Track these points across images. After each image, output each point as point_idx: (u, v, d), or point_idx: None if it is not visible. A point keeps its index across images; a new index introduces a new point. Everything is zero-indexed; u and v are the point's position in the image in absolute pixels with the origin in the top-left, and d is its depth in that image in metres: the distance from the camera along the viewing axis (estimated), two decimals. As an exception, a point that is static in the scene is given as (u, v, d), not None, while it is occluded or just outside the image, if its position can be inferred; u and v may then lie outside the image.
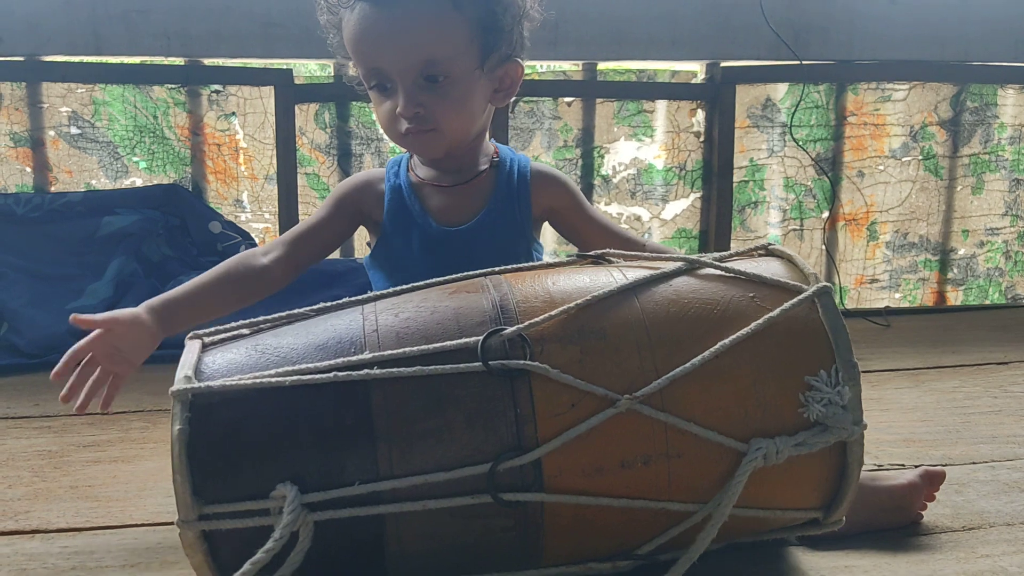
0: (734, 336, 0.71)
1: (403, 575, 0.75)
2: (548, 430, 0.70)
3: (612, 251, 0.84)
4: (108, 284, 1.72)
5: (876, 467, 1.10)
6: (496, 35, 0.97)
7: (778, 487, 0.75)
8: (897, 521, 0.94)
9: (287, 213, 1.90)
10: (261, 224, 1.93)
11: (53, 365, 1.54)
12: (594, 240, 1.03)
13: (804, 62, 1.99)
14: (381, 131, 1.92)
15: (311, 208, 1.94)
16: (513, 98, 1.08)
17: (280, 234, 1.85)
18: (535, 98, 1.99)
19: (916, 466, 0.98)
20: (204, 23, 1.80)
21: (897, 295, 2.18)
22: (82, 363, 0.91)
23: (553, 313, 0.72)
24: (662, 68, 2.07)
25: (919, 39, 2.05)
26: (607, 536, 0.75)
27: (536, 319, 0.72)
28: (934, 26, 2.05)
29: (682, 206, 2.11)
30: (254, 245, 1.85)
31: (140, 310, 0.94)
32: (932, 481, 0.95)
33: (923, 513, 0.95)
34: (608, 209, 2.08)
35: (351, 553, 0.74)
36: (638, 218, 2.10)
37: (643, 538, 0.76)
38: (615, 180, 2.07)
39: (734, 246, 2.09)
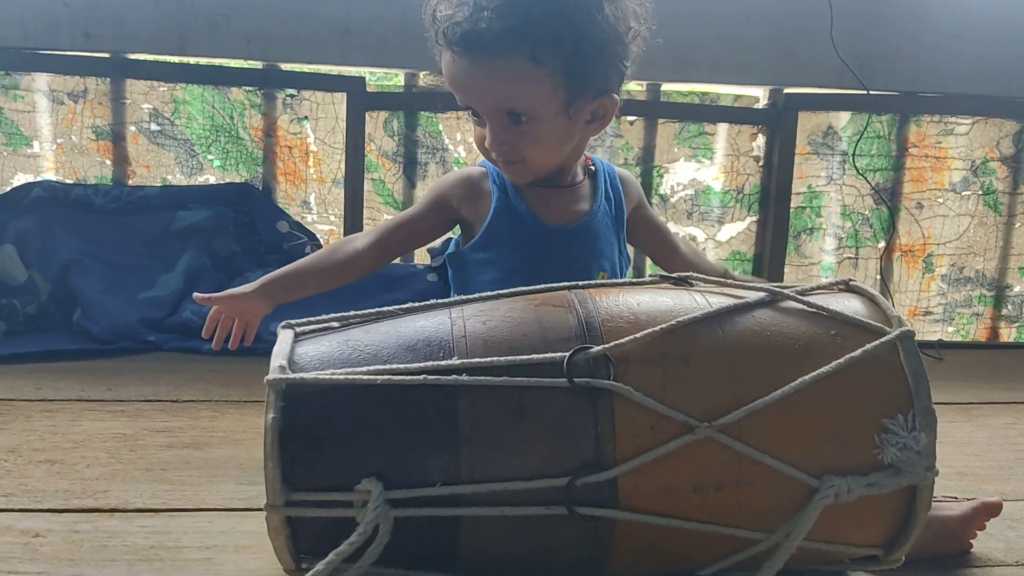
0: (815, 373, 0.73)
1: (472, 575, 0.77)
2: (626, 450, 0.72)
3: (694, 274, 0.86)
4: (179, 276, 1.78)
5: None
6: (584, 80, 0.99)
7: (844, 524, 0.76)
8: (948, 550, 0.95)
9: (352, 216, 1.94)
10: (326, 226, 1.98)
11: (124, 351, 1.64)
12: (649, 236, 1.19)
13: (869, 92, 2.00)
14: (447, 140, 1.97)
15: (375, 212, 1.98)
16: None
17: (343, 236, 1.92)
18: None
19: (968, 499, 0.99)
20: (284, 28, 1.86)
21: (951, 329, 2.17)
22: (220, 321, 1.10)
23: (638, 335, 0.75)
24: (725, 92, 2.09)
25: (984, 74, 2.05)
26: (672, 555, 0.77)
27: (621, 340, 0.75)
28: (1000, 62, 2.05)
29: (738, 228, 2.13)
30: (319, 246, 1.90)
31: (250, 286, 1.10)
32: (988, 511, 0.96)
33: (972, 543, 0.96)
34: (664, 228, 2.10)
35: (425, 551, 0.76)
36: (693, 238, 2.12)
37: (707, 560, 0.77)
38: (672, 199, 2.09)
39: (788, 271, 2.10)
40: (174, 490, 1.05)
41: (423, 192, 1.96)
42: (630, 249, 1.17)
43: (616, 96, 1.05)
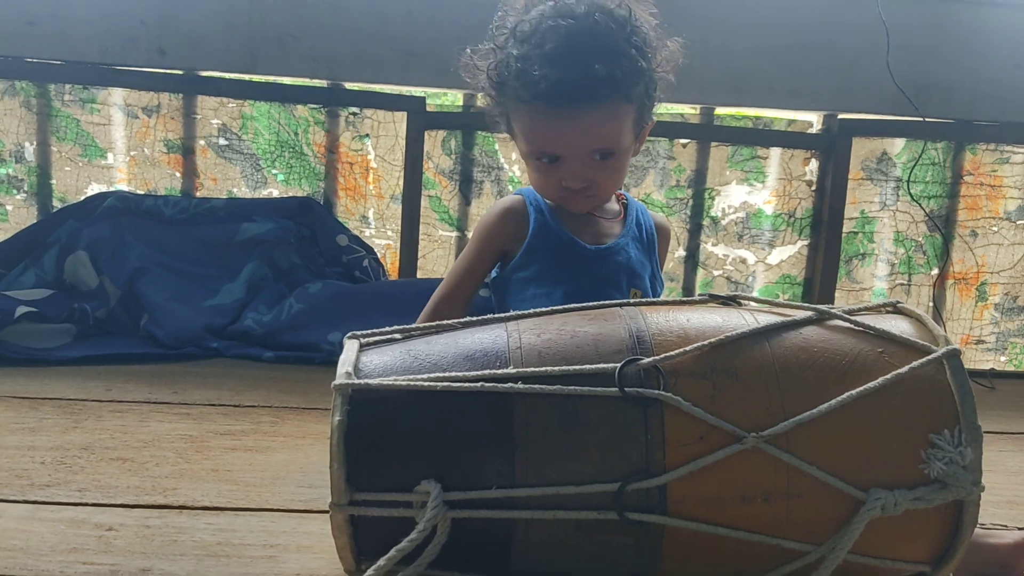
0: (861, 388, 0.75)
1: (524, 577, 0.80)
2: (676, 458, 0.75)
3: (742, 294, 0.89)
4: (241, 286, 1.84)
5: (979, 526, 1.10)
6: (649, 109, 1.09)
7: (891, 538, 0.78)
8: (998, 577, 0.95)
9: (409, 232, 1.99)
10: (383, 240, 2.03)
11: (188, 357, 1.70)
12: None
13: (925, 119, 2.00)
14: (502, 160, 2.01)
15: (431, 228, 2.03)
16: None
17: (400, 251, 1.97)
18: (651, 138, 2.04)
19: (1020, 528, 0.99)
20: (349, 48, 1.92)
21: (1003, 358, 2.15)
22: None
23: (688, 348, 0.77)
24: (778, 116, 2.10)
25: (1042, 103, 2.05)
26: (719, 564, 0.79)
27: (671, 352, 0.77)
28: (1058, 92, 2.04)
29: (788, 252, 2.14)
30: (376, 259, 1.95)
31: None
32: None
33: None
34: (714, 250, 2.11)
35: (480, 552, 0.79)
36: (743, 261, 2.13)
37: (754, 571, 0.79)
38: (723, 222, 2.11)
39: (839, 296, 2.10)
40: (238, 490, 1.09)
41: (477, 210, 2.01)
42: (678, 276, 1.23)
43: (654, 117, 1.13)
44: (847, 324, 0.82)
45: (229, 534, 0.97)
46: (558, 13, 1.03)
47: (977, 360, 2.12)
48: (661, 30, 1.09)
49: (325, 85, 1.98)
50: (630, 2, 1.07)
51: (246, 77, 1.96)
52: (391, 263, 2.03)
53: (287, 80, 1.98)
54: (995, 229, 2.12)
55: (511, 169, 2.02)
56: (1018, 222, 2.12)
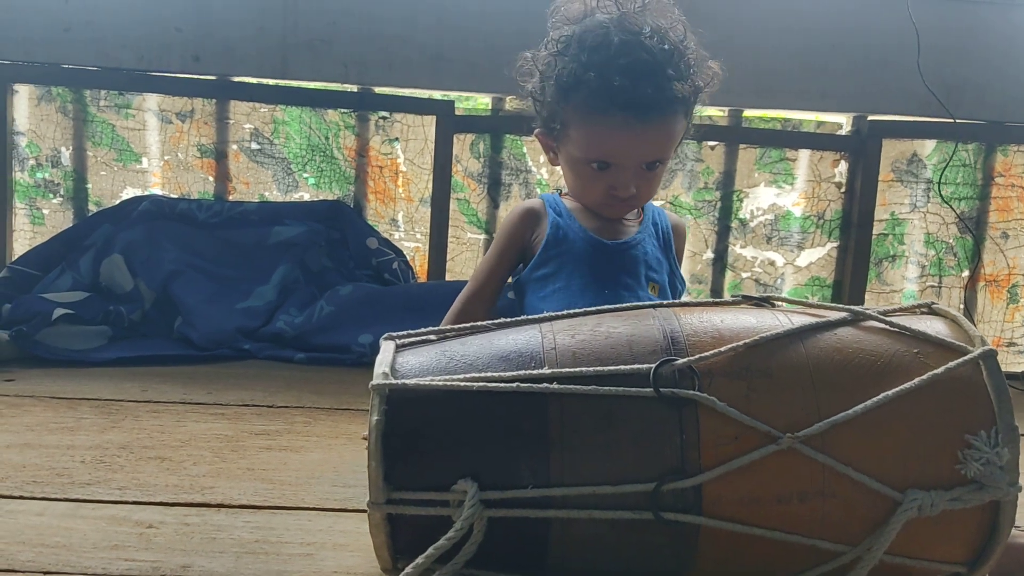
0: (897, 388, 0.75)
1: (560, 577, 0.81)
2: (711, 458, 0.75)
3: (775, 296, 0.89)
4: (273, 288, 1.86)
5: (1016, 528, 1.10)
6: (691, 123, 1.15)
7: (928, 539, 0.77)
8: (1034, 581, 0.94)
9: (437, 235, 2.01)
10: (413, 243, 2.04)
11: (221, 358, 1.73)
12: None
13: (956, 120, 1.99)
14: (530, 163, 2.02)
15: (459, 231, 2.04)
16: None
17: (429, 253, 1.98)
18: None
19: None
20: (380, 54, 1.94)
21: (1036, 361, 2.13)
22: None
23: (722, 349, 0.78)
24: (807, 118, 2.10)
25: (1074, 104, 2.03)
26: (754, 564, 0.79)
27: (706, 353, 0.78)
28: (1091, 92, 2.02)
29: (817, 254, 2.13)
30: (406, 262, 1.97)
31: None
32: None
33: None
34: (743, 252, 2.11)
35: (516, 551, 0.79)
36: (772, 263, 2.12)
37: (790, 572, 0.79)
38: (752, 224, 2.10)
39: (869, 298, 2.09)
40: (274, 489, 1.10)
41: (505, 213, 2.02)
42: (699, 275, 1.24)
43: None
44: (882, 325, 0.81)
45: (267, 532, 0.98)
46: (625, 28, 1.09)
47: (1009, 363, 2.11)
48: (702, 49, 1.14)
49: (355, 90, 2.00)
50: (681, 22, 1.13)
51: (278, 82, 1.99)
52: (420, 266, 2.04)
53: (318, 85, 2.00)
54: (1027, 231, 2.10)
55: (539, 172, 2.03)
56: (1051, 223, 2.10)
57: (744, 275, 2.11)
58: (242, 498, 1.07)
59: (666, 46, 1.09)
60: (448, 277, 2.02)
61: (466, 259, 2.06)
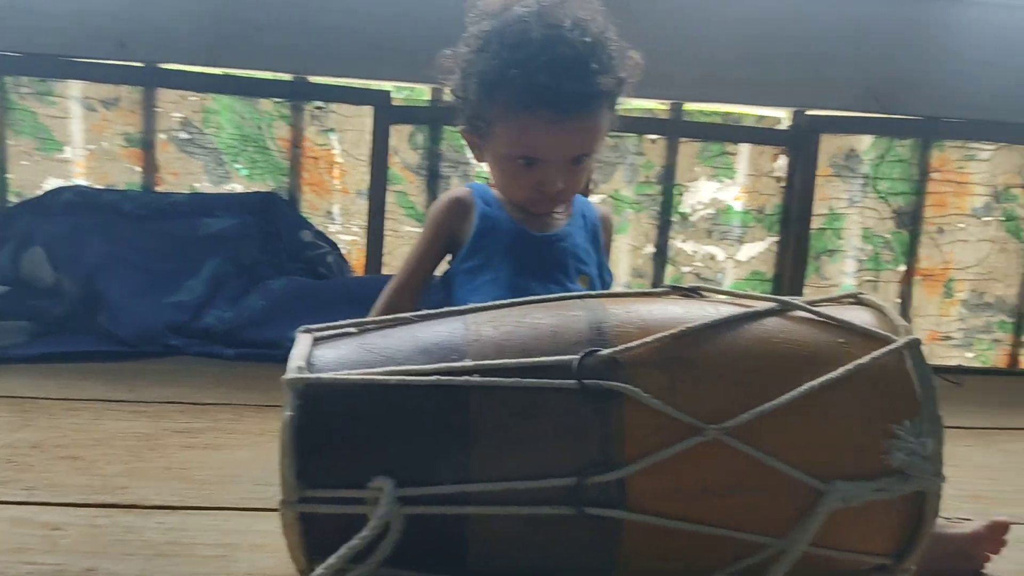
0: (823, 379, 0.74)
1: (481, 575, 0.78)
2: (635, 451, 0.73)
3: (704, 286, 0.88)
4: (203, 282, 1.81)
5: (945, 519, 1.10)
6: (615, 116, 1.14)
7: (853, 530, 0.77)
8: (960, 568, 0.95)
9: (374, 227, 1.97)
10: (349, 236, 2.01)
11: (148, 355, 1.67)
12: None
13: (892, 116, 2.01)
14: (470, 155, 1.99)
15: (397, 224, 2.01)
16: None
17: (366, 247, 1.95)
18: (620, 133, 2.03)
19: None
20: (314, 42, 1.89)
21: (970, 354, 2.16)
22: None
23: (647, 340, 0.76)
24: (748, 112, 2.10)
25: (1008, 101, 2.05)
26: (681, 559, 0.78)
27: (631, 344, 0.76)
28: (1024, 89, 2.05)
29: (758, 249, 2.14)
30: (341, 255, 1.93)
31: None
32: (996, 531, 0.96)
33: (985, 564, 0.96)
34: (684, 247, 2.11)
35: (435, 550, 0.77)
36: (713, 257, 2.13)
37: (716, 566, 0.78)
38: (693, 218, 2.10)
39: (807, 292, 2.10)
40: (192, 489, 1.07)
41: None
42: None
43: None
44: (809, 315, 0.80)
45: (180, 533, 0.95)
46: (546, 23, 1.07)
47: (944, 356, 2.13)
48: (623, 41, 1.13)
49: (289, 79, 1.95)
50: (600, 13, 1.11)
51: (208, 70, 1.93)
52: (356, 259, 2.01)
53: (250, 73, 1.95)
54: (961, 226, 2.13)
55: (479, 164, 2.00)
56: (984, 219, 2.13)
57: (685, 269, 2.11)
58: (156, 498, 1.03)
59: (588, 39, 1.07)
60: (385, 271, 1.99)
61: (404, 253, 2.00)
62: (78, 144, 1.94)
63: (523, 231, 1.14)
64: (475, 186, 1.20)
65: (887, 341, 0.77)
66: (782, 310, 0.81)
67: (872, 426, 0.74)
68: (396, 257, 2.02)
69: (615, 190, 2.06)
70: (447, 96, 1.95)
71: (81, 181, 1.94)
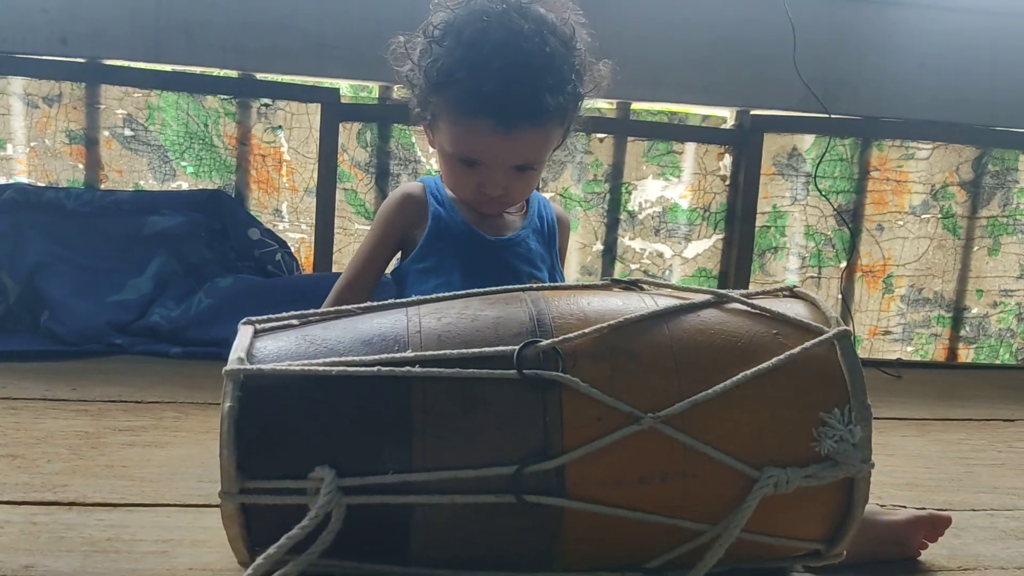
0: (756, 368, 0.76)
1: (424, 564, 0.78)
2: (574, 440, 0.74)
3: (644, 279, 0.89)
4: (148, 280, 1.78)
5: (879, 506, 1.13)
6: (571, 126, 1.11)
7: (785, 516, 0.79)
8: (894, 555, 0.97)
9: (323, 225, 1.96)
10: (297, 234, 1.99)
11: (91, 354, 1.64)
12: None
13: (832, 116, 2.05)
14: (419, 152, 1.99)
15: (347, 222, 2.00)
16: None
17: (315, 244, 1.94)
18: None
19: (919, 509, 1.02)
20: (260, 39, 1.88)
21: (909, 348, 2.22)
22: None
23: (587, 331, 0.77)
24: (693, 112, 2.13)
25: (945, 101, 2.11)
26: (620, 547, 0.79)
27: (570, 335, 0.77)
28: (960, 90, 2.11)
29: (704, 246, 2.17)
30: (290, 253, 1.91)
31: None
32: (935, 525, 0.98)
33: (921, 552, 0.99)
34: (631, 244, 2.13)
35: (377, 539, 0.77)
36: (660, 255, 2.15)
37: (654, 553, 0.79)
38: (640, 216, 2.13)
39: (753, 288, 2.13)
40: (133, 486, 1.06)
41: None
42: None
43: None
44: (744, 307, 0.83)
45: (120, 530, 0.94)
46: (506, 25, 1.01)
47: (884, 351, 2.19)
48: (593, 48, 1.10)
49: (236, 76, 1.93)
50: (571, 18, 1.07)
51: (152, 66, 1.90)
52: (305, 257, 1.99)
53: (195, 70, 1.93)
54: (900, 223, 2.18)
55: (428, 162, 2.01)
56: (923, 216, 2.18)
57: (633, 267, 2.14)
58: (97, 496, 1.02)
59: (547, 48, 1.01)
60: (335, 269, 1.98)
61: (353, 250, 2.00)
62: (19, 141, 1.90)
63: (476, 234, 1.11)
64: (428, 180, 1.17)
65: (819, 332, 0.79)
66: (718, 302, 0.83)
67: (803, 414, 0.77)
68: (345, 255, 2.01)
69: (564, 188, 2.07)
70: (396, 94, 1.96)
71: (23, 178, 1.91)
